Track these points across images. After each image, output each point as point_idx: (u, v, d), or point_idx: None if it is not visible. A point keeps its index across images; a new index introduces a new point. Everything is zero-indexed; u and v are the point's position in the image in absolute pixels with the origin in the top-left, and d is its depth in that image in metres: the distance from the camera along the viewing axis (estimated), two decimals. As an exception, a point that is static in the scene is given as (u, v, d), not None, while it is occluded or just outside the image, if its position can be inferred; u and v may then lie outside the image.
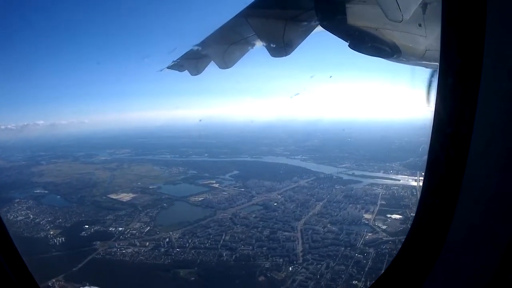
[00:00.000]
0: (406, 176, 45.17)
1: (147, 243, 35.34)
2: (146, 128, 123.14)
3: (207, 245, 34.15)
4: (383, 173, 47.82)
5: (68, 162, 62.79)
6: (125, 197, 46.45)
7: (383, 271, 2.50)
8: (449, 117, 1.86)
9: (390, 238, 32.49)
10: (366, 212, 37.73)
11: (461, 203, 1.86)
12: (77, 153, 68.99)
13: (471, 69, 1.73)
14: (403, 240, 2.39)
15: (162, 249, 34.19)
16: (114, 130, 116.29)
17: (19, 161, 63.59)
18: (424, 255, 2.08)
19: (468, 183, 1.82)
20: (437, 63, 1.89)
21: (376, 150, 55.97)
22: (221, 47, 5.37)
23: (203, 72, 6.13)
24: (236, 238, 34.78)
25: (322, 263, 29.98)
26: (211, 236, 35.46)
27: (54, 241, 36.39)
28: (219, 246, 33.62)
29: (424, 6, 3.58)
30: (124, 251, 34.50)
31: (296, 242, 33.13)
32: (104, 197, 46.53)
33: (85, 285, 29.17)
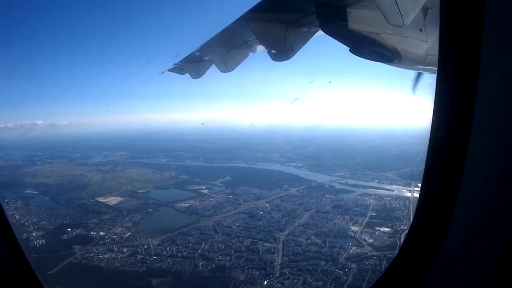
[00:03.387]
0: (401, 187, 43.37)
1: (125, 249, 34.43)
2: (146, 130, 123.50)
3: (185, 253, 33.00)
4: (377, 182, 46.03)
5: (63, 163, 62.64)
6: (113, 200, 45.79)
7: (382, 273, 2.46)
8: (447, 121, 1.88)
9: (375, 253, 30.74)
10: (354, 224, 36.03)
11: (459, 205, 1.87)
12: (74, 154, 68.92)
13: (468, 74, 1.73)
14: (402, 242, 2.38)
15: (139, 256, 33.24)
16: (113, 132, 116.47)
17: (15, 161, 63.83)
18: (422, 256, 2.08)
19: (466, 185, 1.83)
20: None
21: (373, 158, 54.23)
22: (222, 50, 5.35)
23: (204, 75, 6.13)
24: (215, 247, 33.52)
25: (299, 277, 28.48)
26: (190, 245, 34.29)
27: (34, 243, 35.72)
28: (196, 256, 32.44)
29: (425, 11, 3.61)
30: (101, 256, 33.74)
31: (276, 254, 31.67)
32: (91, 200, 45.91)
33: (57, 290, 28.41)
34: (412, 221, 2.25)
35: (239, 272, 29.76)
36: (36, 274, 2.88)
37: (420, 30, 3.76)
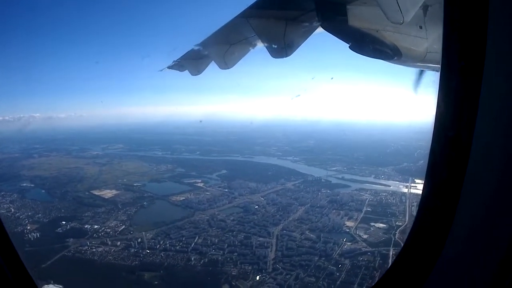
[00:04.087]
0: (397, 182, 43.02)
1: (119, 243, 34.31)
2: (144, 123, 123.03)
3: (178, 247, 32.83)
4: (374, 178, 45.74)
5: (60, 156, 62.47)
6: (108, 193, 45.63)
7: (384, 273, 2.41)
8: (451, 119, 1.86)
9: (369, 249, 30.45)
10: (349, 219, 35.73)
11: (461, 206, 1.85)
12: (71, 147, 68.77)
13: (472, 71, 1.72)
14: (404, 241, 2.32)
15: (132, 250, 33.10)
16: (112, 124, 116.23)
17: (12, 153, 63.70)
18: (424, 257, 2.07)
19: (469, 185, 1.82)
20: (438, 65, 1.87)
21: (371, 153, 53.88)
22: (222, 47, 5.33)
23: (203, 72, 6.12)
24: (209, 241, 33.32)
25: (292, 273, 28.23)
26: (183, 238, 34.10)
27: (29, 236, 35.69)
28: (189, 250, 32.25)
29: (425, 8, 3.61)
30: (94, 249, 33.63)
31: (269, 249, 31.44)
32: (87, 193, 45.78)
33: (49, 283, 28.32)
34: (414, 220, 2.22)
35: (232, 266, 29.55)
36: (29, 272, 2.81)
37: (420, 27, 3.77)
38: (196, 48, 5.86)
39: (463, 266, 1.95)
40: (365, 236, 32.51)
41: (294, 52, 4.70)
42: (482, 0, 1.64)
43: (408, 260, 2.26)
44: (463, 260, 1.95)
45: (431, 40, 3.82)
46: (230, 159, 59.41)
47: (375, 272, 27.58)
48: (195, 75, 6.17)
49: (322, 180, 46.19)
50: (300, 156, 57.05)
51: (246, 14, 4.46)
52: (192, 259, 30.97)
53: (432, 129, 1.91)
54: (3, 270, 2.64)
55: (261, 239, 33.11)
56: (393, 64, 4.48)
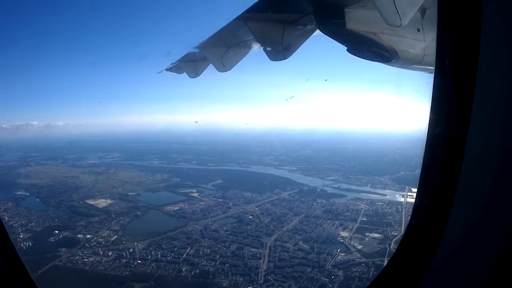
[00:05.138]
0: (394, 191, 42.69)
1: (110, 253, 33.87)
2: (142, 132, 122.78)
3: (169, 258, 32.36)
4: (370, 187, 45.36)
5: (56, 164, 62.40)
6: (102, 203, 45.31)
7: (379, 273, 2.43)
8: (444, 119, 1.87)
9: (363, 260, 29.96)
10: (344, 229, 35.29)
11: (456, 205, 1.86)
12: (68, 155, 68.65)
13: (466, 73, 1.74)
14: (399, 241, 2.33)
15: (123, 260, 32.62)
16: (109, 133, 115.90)
17: (9, 161, 63.71)
18: (419, 256, 2.07)
19: (464, 185, 1.82)
20: None
21: (368, 162, 53.58)
22: (219, 50, 5.36)
23: (201, 75, 6.16)
24: (201, 252, 32.88)
25: (283, 284, 27.74)
26: (175, 249, 33.67)
27: (21, 245, 35.25)
28: (180, 260, 31.80)
29: (422, 11, 3.64)
30: (86, 259, 33.22)
31: (262, 260, 30.95)
32: (81, 202, 45.50)
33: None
34: (409, 221, 2.21)
35: (223, 278, 29.09)
36: (30, 274, 2.84)
37: (418, 30, 3.78)
38: (194, 50, 5.85)
39: (457, 267, 1.95)
40: (359, 247, 32.04)
41: (292, 55, 4.72)
42: (475, 2, 1.64)
43: (401, 264, 2.25)
44: (457, 261, 1.94)
45: (429, 42, 3.81)
46: (226, 169, 59.07)
47: (368, 283, 27.09)
48: (193, 77, 6.19)
49: (318, 190, 45.81)
50: (297, 165, 56.76)
51: (244, 17, 4.47)
52: (183, 270, 30.49)
53: (426, 130, 1.90)
54: (4, 273, 2.64)
55: (253, 249, 32.66)
56: (391, 70, 4.54)
